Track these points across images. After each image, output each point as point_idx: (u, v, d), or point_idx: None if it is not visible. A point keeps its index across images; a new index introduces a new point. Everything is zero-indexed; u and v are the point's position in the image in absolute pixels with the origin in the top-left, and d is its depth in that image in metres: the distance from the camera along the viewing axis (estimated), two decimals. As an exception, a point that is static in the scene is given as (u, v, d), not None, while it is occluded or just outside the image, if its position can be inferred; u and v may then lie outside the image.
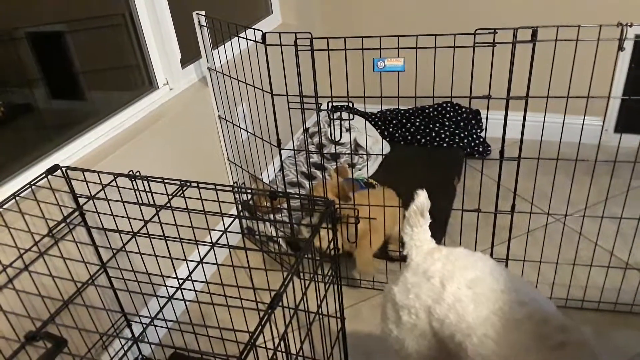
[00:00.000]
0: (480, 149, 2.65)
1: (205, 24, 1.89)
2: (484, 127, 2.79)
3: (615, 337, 1.66)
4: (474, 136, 2.69)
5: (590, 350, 1.00)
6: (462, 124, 2.76)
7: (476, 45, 1.39)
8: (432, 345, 1.19)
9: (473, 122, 2.79)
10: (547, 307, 1.08)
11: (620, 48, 1.36)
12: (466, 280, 1.14)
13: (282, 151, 2.44)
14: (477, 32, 1.37)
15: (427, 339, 1.19)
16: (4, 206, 1.27)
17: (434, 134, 2.71)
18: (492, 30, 1.37)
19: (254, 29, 1.62)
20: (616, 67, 2.45)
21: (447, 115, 2.81)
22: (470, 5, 2.65)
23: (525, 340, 1.02)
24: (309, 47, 1.47)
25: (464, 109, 2.82)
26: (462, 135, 2.67)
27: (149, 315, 1.71)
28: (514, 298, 1.08)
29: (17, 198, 1.31)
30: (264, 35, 1.59)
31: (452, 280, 1.15)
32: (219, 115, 2.08)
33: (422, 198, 1.23)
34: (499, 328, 1.05)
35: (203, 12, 1.87)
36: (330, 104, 1.60)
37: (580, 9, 2.47)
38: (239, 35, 1.75)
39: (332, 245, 1.19)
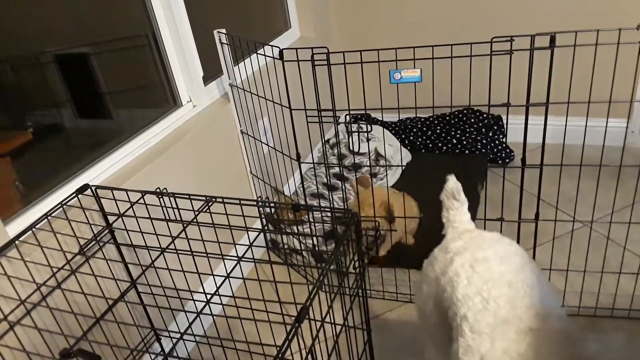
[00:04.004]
0: (503, 155, 2.63)
1: (225, 42, 1.93)
2: (505, 132, 2.77)
3: (648, 344, 1.62)
4: (496, 142, 2.67)
5: (561, 339, 0.96)
6: (483, 130, 2.75)
7: (493, 53, 1.39)
8: (443, 318, 1.20)
9: (495, 128, 2.78)
10: (539, 295, 1.04)
11: (642, 51, 1.35)
12: (472, 259, 1.13)
13: (302, 164, 2.46)
14: (494, 40, 1.37)
15: (438, 309, 1.20)
16: (37, 226, 1.32)
17: (455, 141, 2.70)
18: (509, 38, 1.36)
19: (272, 46, 1.65)
20: (639, 69, 2.41)
21: (469, 122, 2.80)
22: (486, 13, 2.65)
23: (495, 326, 0.99)
24: (326, 62, 1.49)
25: (485, 115, 2.81)
26: (484, 141, 2.66)
27: (177, 330, 1.74)
28: (508, 280, 1.06)
29: (49, 218, 1.35)
30: (281, 52, 1.62)
31: (460, 256, 1.16)
32: (241, 130, 2.11)
33: (451, 182, 1.29)
34: (477, 310, 1.03)
35: (224, 30, 1.91)
36: (347, 117, 1.62)
37: (598, 12, 2.45)
38: (258, 52, 1.79)
39: (356, 257, 1.20)
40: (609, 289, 1.79)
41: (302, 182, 1.87)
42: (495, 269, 1.10)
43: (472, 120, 2.80)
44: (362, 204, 1.90)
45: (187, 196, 1.29)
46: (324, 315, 1.04)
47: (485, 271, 1.09)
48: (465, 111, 2.84)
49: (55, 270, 1.32)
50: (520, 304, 1.01)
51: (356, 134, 2.60)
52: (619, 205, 2.19)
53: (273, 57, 1.67)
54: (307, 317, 0.92)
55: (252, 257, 1.20)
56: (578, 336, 0.97)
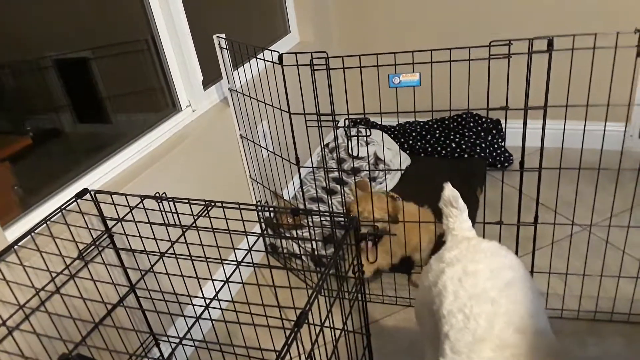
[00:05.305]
0: (502, 159, 2.64)
1: (225, 46, 1.93)
2: (504, 136, 2.78)
3: (647, 348, 1.62)
4: (495, 146, 2.67)
5: (541, 355, 0.95)
6: (482, 134, 2.75)
7: (492, 57, 1.39)
8: (437, 326, 1.19)
9: (494, 132, 2.78)
10: (522, 312, 1.03)
11: (639, 54, 1.35)
12: (462, 272, 1.12)
13: (301, 168, 2.46)
14: (492, 44, 1.37)
15: (432, 318, 1.20)
16: (36, 231, 1.32)
17: (454, 145, 2.70)
18: (507, 42, 1.37)
19: (272, 50, 1.66)
20: (637, 73, 2.41)
21: (468, 126, 2.80)
22: (485, 17, 2.66)
23: (472, 345, 0.98)
24: (325, 67, 1.50)
25: (484, 119, 2.82)
26: (483, 145, 2.66)
27: (176, 335, 1.73)
28: (492, 297, 1.05)
29: (48, 222, 1.35)
30: (280, 57, 1.62)
31: (451, 268, 1.15)
32: (240, 135, 2.12)
33: (448, 190, 1.29)
34: (458, 329, 1.03)
35: (223, 35, 1.92)
36: (346, 121, 1.62)
37: (597, 16, 2.45)
38: (257, 56, 1.79)
39: (356, 261, 1.20)
40: (609, 292, 1.79)
41: (301, 186, 1.87)
42: (481, 284, 1.09)
43: (471, 124, 2.80)
44: (362, 208, 1.89)
45: (187, 201, 1.29)
46: (323, 320, 1.04)
47: (472, 286, 1.09)
48: (464, 115, 2.84)
49: (54, 275, 1.32)
50: (499, 321, 1.01)
51: (355, 138, 2.60)
52: (617, 209, 2.19)
53: (272, 62, 1.68)
54: (306, 321, 0.92)
55: (251, 261, 1.20)
56: (560, 351, 0.97)
